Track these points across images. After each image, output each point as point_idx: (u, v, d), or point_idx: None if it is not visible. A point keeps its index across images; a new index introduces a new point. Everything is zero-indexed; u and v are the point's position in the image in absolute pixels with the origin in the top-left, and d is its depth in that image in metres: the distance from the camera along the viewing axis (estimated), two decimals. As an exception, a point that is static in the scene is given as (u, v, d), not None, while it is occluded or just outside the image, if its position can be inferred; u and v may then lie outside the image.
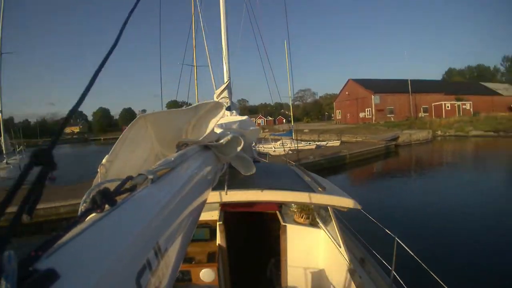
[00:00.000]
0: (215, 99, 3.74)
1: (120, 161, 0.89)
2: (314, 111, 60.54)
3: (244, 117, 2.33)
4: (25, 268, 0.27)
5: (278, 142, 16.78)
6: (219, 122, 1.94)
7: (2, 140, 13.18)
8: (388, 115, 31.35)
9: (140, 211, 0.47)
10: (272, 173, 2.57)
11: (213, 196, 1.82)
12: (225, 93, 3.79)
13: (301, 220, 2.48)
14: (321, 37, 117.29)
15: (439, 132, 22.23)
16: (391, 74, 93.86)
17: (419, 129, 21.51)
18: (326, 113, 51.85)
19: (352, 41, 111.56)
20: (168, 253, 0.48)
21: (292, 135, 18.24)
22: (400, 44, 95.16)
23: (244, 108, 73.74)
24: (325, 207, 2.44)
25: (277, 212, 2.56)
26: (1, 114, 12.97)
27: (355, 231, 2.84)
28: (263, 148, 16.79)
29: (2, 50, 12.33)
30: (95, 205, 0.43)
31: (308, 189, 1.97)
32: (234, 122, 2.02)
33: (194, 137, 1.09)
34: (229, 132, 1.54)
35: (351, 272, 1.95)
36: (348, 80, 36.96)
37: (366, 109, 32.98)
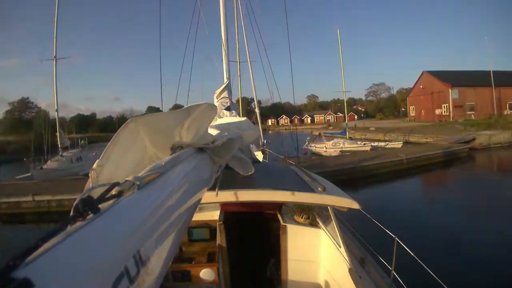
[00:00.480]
0: (215, 100, 3.72)
1: (112, 165, 0.88)
2: (389, 107, 54.23)
3: (243, 118, 2.32)
4: (2, 277, 0.27)
5: (331, 142, 15.89)
6: (216, 123, 1.92)
7: (58, 136, 14.85)
8: (468, 112, 26.80)
9: (122, 219, 0.47)
10: (272, 173, 2.60)
11: (213, 196, 1.81)
12: (225, 93, 3.78)
13: (301, 220, 2.47)
14: (394, 25, 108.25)
15: (526, 134, 17.84)
16: (471, 65, 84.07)
17: (502, 130, 17.59)
18: (402, 109, 46.28)
19: (428, 29, 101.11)
20: (150, 260, 0.48)
21: (346, 134, 17.11)
22: (480, 30, 78.21)
23: (315, 104, 71.45)
24: (325, 207, 2.44)
25: (277, 212, 2.56)
26: (57, 113, 15.07)
27: (355, 231, 2.84)
28: (315, 148, 16.03)
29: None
30: (77, 213, 0.43)
31: (308, 189, 1.97)
32: (232, 123, 2.00)
33: (188, 139, 1.09)
34: (226, 133, 1.53)
35: (351, 272, 1.94)
36: (423, 73, 32.39)
37: (443, 105, 28.61)
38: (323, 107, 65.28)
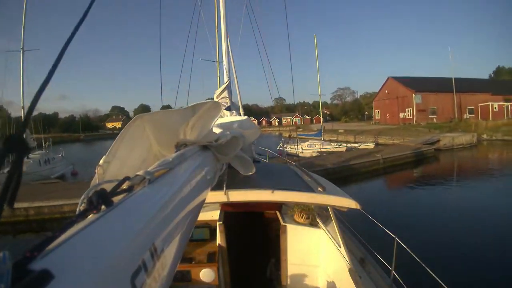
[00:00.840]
0: (215, 99, 3.74)
1: (118, 162, 0.89)
2: (354, 110, 56.64)
3: (244, 117, 2.33)
4: (20, 268, 0.27)
5: (307, 143, 16.03)
6: (218, 122, 1.94)
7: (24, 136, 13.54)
8: (430, 116, 28.72)
9: (136, 212, 0.47)
10: (272, 173, 2.58)
11: (213, 196, 1.82)
12: (225, 93, 3.79)
13: (301, 220, 2.48)
14: (361, 32, 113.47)
15: (484, 136, 19.63)
16: (434, 72, 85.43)
17: (463, 132, 19.11)
18: (366, 113, 48.70)
19: (394, 37, 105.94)
20: (164, 254, 0.48)
21: (321, 136, 17.37)
22: (444, 40, 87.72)
23: (282, 106, 71.04)
24: (325, 207, 2.45)
25: (277, 212, 2.56)
26: (23, 110, 13.50)
27: (355, 231, 2.84)
28: (289, 149, 15.94)
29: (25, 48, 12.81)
30: (91, 206, 0.43)
31: (308, 189, 1.97)
32: (234, 122, 2.02)
33: (193, 137, 1.09)
34: (228, 132, 1.53)
35: (351, 272, 1.95)
36: (388, 78, 34.27)
37: (407, 109, 30.42)
38: (290, 109, 66.07)
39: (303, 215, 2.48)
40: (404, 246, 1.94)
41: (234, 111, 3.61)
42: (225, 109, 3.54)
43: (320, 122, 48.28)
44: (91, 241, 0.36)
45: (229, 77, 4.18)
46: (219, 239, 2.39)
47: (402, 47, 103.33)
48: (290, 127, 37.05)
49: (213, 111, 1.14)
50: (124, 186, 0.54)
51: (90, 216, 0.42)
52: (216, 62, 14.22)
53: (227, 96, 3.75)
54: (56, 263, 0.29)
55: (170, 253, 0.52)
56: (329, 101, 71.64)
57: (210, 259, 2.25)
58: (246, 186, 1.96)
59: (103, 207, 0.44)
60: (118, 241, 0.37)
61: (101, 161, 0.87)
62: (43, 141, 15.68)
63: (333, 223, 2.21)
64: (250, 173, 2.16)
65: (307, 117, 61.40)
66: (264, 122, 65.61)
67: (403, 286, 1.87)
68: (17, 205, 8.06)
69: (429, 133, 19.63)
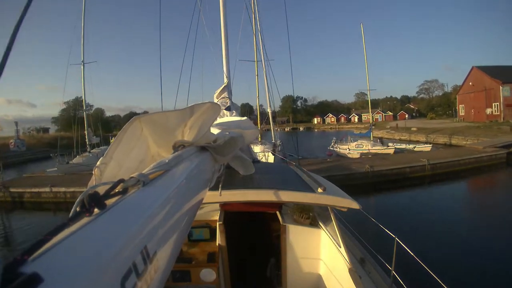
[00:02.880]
0: (215, 100, 3.74)
1: (116, 163, 0.89)
2: (442, 105, 49.22)
3: (244, 118, 2.32)
4: (10, 271, 0.27)
5: (355, 143, 15.35)
6: (217, 122, 1.95)
7: (86, 133, 16.77)
8: None
9: (129, 215, 0.47)
10: (272, 173, 2.59)
11: (213, 196, 1.82)
12: (225, 94, 3.79)
13: (301, 220, 2.47)
14: (447, 18, 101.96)
15: None
16: None
17: None
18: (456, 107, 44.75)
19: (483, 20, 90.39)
20: (157, 257, 0.48)
21: (370, 135, 16.31)
22: None
23: (364, 102, 66.67)
24: (325, 207, 2.44)
25: (277, 212, 2.56)
26: (85, 113, 17.67)
27: (355, 231, 2.84)
28: (339, 149, 15.58)
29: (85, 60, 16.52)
30: (84, 209, 0.43)
31: (308, 189, 1.97)
32: (233, 122, 2.02)
33: (191, 138, 1.09)
34: (227, 133, 1.54)
35: (351, 272, 1.94)
36: (472, 68, 29.32)
37: (493, 104, 25.91)
38: (373, 105, 62.17)
39: (303, 215, 2.48)
40: (404, 246, 1.94)
41: (234, 111, 3.61)
42: (225, 109, 3.54)
43: (405, 118, 45.30)
44: (82, 244, 0.36)
45: (228, 78, 4.16)
46: (219, 239, 2.39)
47: (492, 34, 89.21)
48: (365, 124, 34.29)
49: (211, 112, 1.13)
50: (119, 188, 0.54)
51: (83, 219, 0.42)
52: (255, 61, 14.33)
53: (227, 96, 3.75)
54: (46, 267, 0.29)
55: (163, 256, 0.52)
56: (416, 95, 64.12)
57: (210, 259, 2.25)
58: (246, 186, 1.96)
59: (96, 210, 0.44)
60: (109, 244, 0.37)
61: (98, 163, 0.87)
62: (110, 137, 19.42)
63: (333, 223, 2.21)
64: (250, 173, 2.16)
65: (390, 113, 56.17)
66: (342, 119, 63.07)
67: (403, 286, 1.86)
68: (57, 189, 8.99)
69: (510, 133, 16.55)
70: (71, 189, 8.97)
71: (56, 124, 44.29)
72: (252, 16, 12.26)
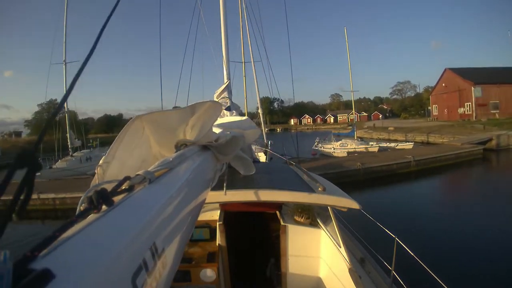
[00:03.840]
0: (215, 99, 3.73)
1: (118, 162, 0.88)
2: (415, 106, 50.96)
3: (244, 117, 2.33)
4: (21, 268, 0.27)
5: (339, 142, 15.73)
6: (218, 122, 1.93)
7: (68, 136, 15.99)
8: (492, 111, 25.23)
9: (137, 211, 0.47)
10: (272, 173, 2.57)
11: (213, 196, 1.82)
12: (225, 94, 3.79)
13: (301, 220, 2.48)
14: (421, 21, 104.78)
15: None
16: (496, 61, 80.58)
17: None
18: (429, 108, 43.13)
19: (453, 24, 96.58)
20: (165, 254, 0.48)
21: (354, 134, 16.83)
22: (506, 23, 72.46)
23: (339, 103, 69.72)
24: (325, 207, 2.45)
25: (277, 212, 2.56)
26: (67, 115, 16.47)
27: (355, 231, 2.85)
28: (323, 148, 15.88)
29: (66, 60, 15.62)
30: (92, 205, 0.43)
31: (308, 189, 1.97)
32: (234, 122, 2.01)
33: (193, 137, 1.09)
34: (228, 132, 1.53)
35: (351, 272, 1.94)
36: (445, 70, 30.78)
37: (466, 104, 27.01)
38: (348, 106, 62.16)
39: (303, 215, 2.48)
40: (404, 246, 1.94)
41: (234, 111, 3.61)
42: (225, 109, 3.55)
43: (379, 119, 46.30)
44: (92, 240, 0.36)
45: (228, 78, 4.17)
46: (219, 239, 2.39)
47: (463, 34, 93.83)
48: (344, 124, 34.77)
49: (212, 110, 1.13)
50: (125, 186, 0.54)
51: (90, 215, 0.42)
52: (242, 63, 14.39)
53: (227, 96, 3.76)
54: (57, 263, 0.29)
55: (170, 253, 0.52)
56: (389, 96, 66.49)
57: (210, 259, 2.24)
58: (246, 186, 1.96)
59: (103, 206, 0.44)
60: (119, 240, 0.37)
61: (100, 161, 0.87)
62: (91, 141, 19.10)
63: (333, 223, 2.21)
64: (250, 173, 2.15)
65: (365, 113, 58.00)
66: (318, 120, 63.91)
67: (403, 286, 1.87)
68: (45, 195, 8.57)
69: (483, 131, 17.56)
70: (61, 195, 8.60)
71: (29, 128, 41.68)
72: (240, 16, 12.36)
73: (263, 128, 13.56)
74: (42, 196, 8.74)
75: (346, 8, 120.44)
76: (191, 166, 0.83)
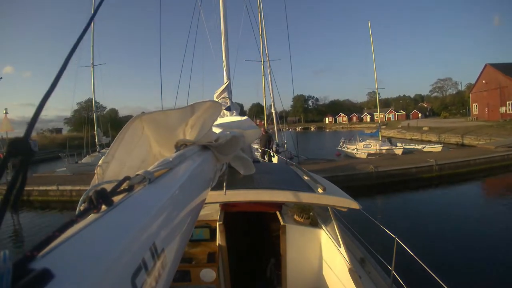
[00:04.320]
0: (215, 99, 3.74)
1: (117, 163, 0.89)
2: (456, 104, 48.22)
3: (244, 117, 2.33)
4: (20, 267, 0.27)
5: (363, 143, 15.24)
6: (218, 122, 1.96)
7: (96, 133, 17.31)
8: None
9: (136, 211, 0.47)
10: (272, 173, 2.58)
11: (213, 196, 1.82)
12: (225, 94, 3.79)
13: (301, 220, 2.48)
14: (461, 13, 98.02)
15: None
16: None
17: None
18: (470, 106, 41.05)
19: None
20: (165, 254, 0.48)
21: (378, 135, 16.12)
22: None
23: (375, 101, 66.97)
24: (325, 207, 2.44)
25: (277, 212, 2.56)
26: (95, 114, 18.03)
27: (355, 231, 2.84)
28: (347, 149, 15.59)
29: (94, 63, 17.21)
30: (91, 205, 0.43)
31: (308, 189, 1.98)
32: (234, 122, 2.03)
33: (193, 137, 1.09)
34: (228, 132, 1.53)
35: (351, 272, 1.94)
36: (486, 65, 28.58)
37: (508, 102, 25.18)
38: (386, 104, 58.66)
39: (303, 215, 2.48)
40: (404, 246, 1.94)
41: (234, 111, 3.61)
42: (225, 109, 3.54)
43: (418, 118, 44.57)
44: (91, 240, 0.36)
45: (228, 78, 4.17)
46: (219, 239, 2.39)
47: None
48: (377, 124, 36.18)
49: (212, 110, 1.13)
50: (125, 186, 0.54)
51: (90, 215, 0.42)
52: (261, 62, 14.44)
53: (227, 96, 3.76)
54: (57, 263, 0.29)
55: (170, 253, 0.52)
56: (429, 94, 63.06)
57: (210, 259, 2.25)
58: (246, 186, 1.97)
59: (103, 206, 0.44)
60: (119, 240, 0.37)
61: (100, 162, 0.87)
62: None
63: (333, 223, 2.21)
64: (250, 173, 2.18)
65: (403, 112, 55.46)
66: (354, 118, 61.83)
67: (403, 286, 1.87)
68: (63, 187, 9.13)
69: None
70: (77, 187, 9.21)
71: (69, 125, 45.35)
72: (259, 15, 12.33)
73: (275, 127, 13.23)
74: (61, 187, 9.47)
75: (382, 1, 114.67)
76: (191, 166, 0.83)
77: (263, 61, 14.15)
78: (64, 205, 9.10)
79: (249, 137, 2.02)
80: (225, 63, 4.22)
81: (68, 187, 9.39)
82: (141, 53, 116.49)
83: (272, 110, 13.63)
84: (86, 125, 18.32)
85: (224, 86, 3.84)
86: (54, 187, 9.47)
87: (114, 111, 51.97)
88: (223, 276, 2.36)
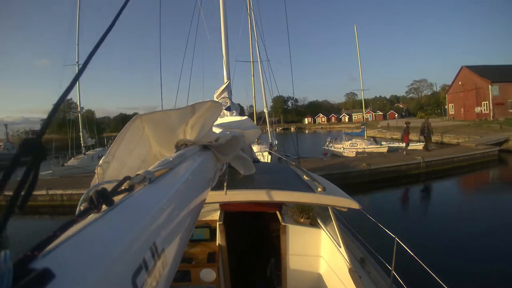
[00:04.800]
0: (215, 99, 3.73)
1: (118, 162, 0.89)
2: (431, 104, 49.77)
3: (244, 117, 2.32)
4: (21, 267, 0.27)
5: (349, 142, 15.56)
6: (218, 122, 1.95)
7: (81, 135, 16.61)
8: (510, 110, 24.65)
9: (137, 211, 0.47)
10: (272, 173, 2.58)
11: (213, 196, 1.82)
12: (225, 94, 3.80)
13: (301, 220, 2.48)
14: (437, 15, 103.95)
15: None
16: None
17: None
18: (445, 107, 41.63)
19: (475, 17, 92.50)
20: (165, 253, 0.48)
21: (364, 134, 16.66)
22: None
23: (354, 102, 68.03)
24: (325, 207, 2.44)
25: (277, 212, 2.56)
26: (80, 114, 17.27)
27: (355, 231, 2.85)
28: (333, 148, 15.85)
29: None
30: (92, 205, 0.43)
31: (308, 189, 1.97)
32: (234, 122, 2.02)
33: (193, 137, 1.09)
34: (228, 132, 1.53)
35: (351, 272, 1.95)
36: (462, 68, 30.03)
37: (483, 103, 26.32)
38: (364, 105, 61.22)
39: (303, 215, 2.48)
40: (404, 246, 1.94)
41: (234, 111, 3.62)
42: (225, 109, 3.54)
43: (394, 118, 45.00)
44: (92, 240, 0.36)
45: (228, 78, 4.17)
46: (219, 239, 2.39)
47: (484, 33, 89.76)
48: (359, 124, 34.06)
49: (212, 110, 1.13)
50: (125, 185, 0.54)
51: (90, 215, 0.42)
52: (251, 62, 14.53)
53: (227, 96, 3.76)
54: (57, 262, 0.29)
55: (171, 253, 0.52)
56: (405, 95, 64.99)
57: (210, 259, 2.25)
58: (246, 186, 1.96)
59: (104, 206, 0.44)
60: (119, 240, 0.37)
61: (100, 161, 0.88)
62: (106, 139, 19.98)
63: (333, 223, 2.21)
64: (250, 173, 2.16)
65: (380, 113, 57.09)
66: (333, 119, 63.03)
67: (403, 286, 1.87)
68: (54, 191, 8.73)
69: (499, 131, 16.91)
70: (68, 192, 8.91)
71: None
72: (248, 16, 12.39)
73: (268, 127, 13.56)
74: (51, 192, 9.06)
75: (363, 4, 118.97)
76: (191, 166, 0.83)
77: (253, 62, 14.26)
78: (55, 209, 8.75)
79: (249, 137, 2.02)
80: (225, 63, 4.22)
81: (59, 191, 9.01)
82: (141, 53, 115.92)
83: (265, 110, 13.76)
84: (69, 127, 17.51)
85: (224, 86, 3.85)
86: (44, 192, 9.01)
87: (90, 112, 51.03)
88: (223, 276, 2.35)
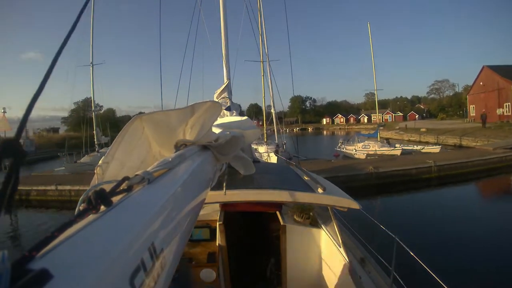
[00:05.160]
0: (215, 99, 3.75)
1: (117, 163, 0.89)
2: (453, 106, 47.53)
3: (244, 118, 2.33)
4: (18, 268, 0.27)
5: (361, 144, 15.37)
6: (218, 122, 1.96)
7: (94, 133, 17.26)
8: None
9: (135, 212, 0.47)
10: (272, 173, 2.58)
11: (213, 196, 1.83)
12: (225, 94, 3.80)
13: (301, 220, 2.48)
14: (459, 16, 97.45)
15: None
16: None
17: None
18: (467, 108, 39.37)
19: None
20: (163, 254, 0.48)
21: (377, 136, 16.30)
22: None
23: (373, 103, 66.62)
24: (325, 207, 2.44)
25: (277, 212, 2.56)
26: (94, 113, 18.01)
27: (355, 231, 2.84)
28: (345, 149, 15.72)
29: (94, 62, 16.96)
30: (90, 206, 0.43)
31: (308, 189, 1.97)
32: (234, 122, 2.02)
33: (192, 137, 1.09)
34: (228, 132, 1.53)
35: (351, 272, 1.94)
36: (483, 67, 28.73)
37: (505, 104, 25.19)
38: (383, 105, 56.35)
39: (303, 215, 2.48)
40: (404, 246, 1.94)
41: (234, 111, 3.62)
42: (225, 109, 3.54)
43: (415, 119, 44.55)
44: (90, 240, 0.36)
45: (228, 78, 4.18)
46: (219, 239, 2.39)
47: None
48: (375, 125, 36.36)
49: (212, 111, 1.13)
50: (124, 186, 0.54)
51: (89, 216, 0.42)
52: (260, 62, 14.57)
53: (227, 96, 3.77)
54: (55, 263, 0.29)
55: (169, 253, 0.52)
56: (427, 96, 62.76)
57: (210, 259, 2.25)
58: (246, 186, 1.97)
59: (102, 207, 0.44)
60: (117, 240, 0.37)
61: (100, 162, 0.87)
62: None
63: (333, 223, 2.21)
64: (250, 173, 2.18)
65: (400, 113, 55.17)
66: (352, 119, 61.76)
67: (403, 286, 1.87)
68: (62, 187, 9.06)
69: None
70: (76, 187, 9.17)
71: (66, 124, 45.55)
72: (258, 15, 12.35)
73: (275, 128, 13.27)
74: (60, 187, 9.40)
75: (384, 3, 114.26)
76: (190, 166, 0.83)
77: (263, 61, 14.17)
78: (63, 204, 9.09)
79: (249, 137, 2.02)
80: (225, 63, 4.22)
81: (67, 187, 9.37)
82: (141, 53, 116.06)
83: (272, 111, 13.67)
84: (84, 125, 18.29)
85: (224, 86, 3.85)
86: (53, 187, 9.46)
87: (111, 111, 52.06)
88: (223, 276, 2.36)
